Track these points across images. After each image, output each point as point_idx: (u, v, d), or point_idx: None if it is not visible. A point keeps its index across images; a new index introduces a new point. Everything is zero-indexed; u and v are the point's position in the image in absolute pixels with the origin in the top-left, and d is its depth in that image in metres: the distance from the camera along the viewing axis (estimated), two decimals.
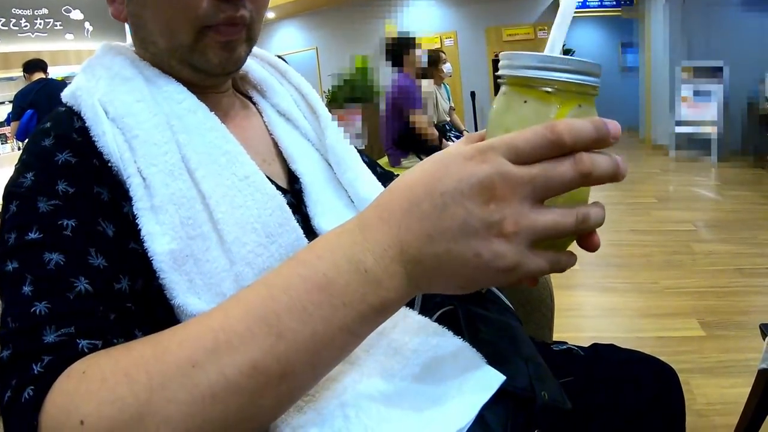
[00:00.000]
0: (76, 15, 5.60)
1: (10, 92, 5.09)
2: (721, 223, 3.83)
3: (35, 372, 0.40)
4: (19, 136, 4.52)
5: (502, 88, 0.43)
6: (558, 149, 0.35)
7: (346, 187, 0.71)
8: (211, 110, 0.63)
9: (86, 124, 0.55)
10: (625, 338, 2.33)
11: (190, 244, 0.52)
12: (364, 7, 8.56)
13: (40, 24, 6.06)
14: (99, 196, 0.52)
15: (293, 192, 0.69)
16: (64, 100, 0.61)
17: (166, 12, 0.58)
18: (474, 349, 0.51)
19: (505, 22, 8.60)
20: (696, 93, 6.25)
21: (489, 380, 0.48)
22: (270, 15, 8.89)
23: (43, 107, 4.31)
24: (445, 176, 0.36)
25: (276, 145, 0.73)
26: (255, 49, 0.77)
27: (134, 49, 0.66)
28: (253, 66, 0.77)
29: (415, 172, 0.38)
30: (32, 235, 0.47)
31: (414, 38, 4.06)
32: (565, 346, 0.93)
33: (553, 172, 0.35)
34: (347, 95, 4.75)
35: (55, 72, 4.92)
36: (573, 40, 9.62)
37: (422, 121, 3.87)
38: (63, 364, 0.40)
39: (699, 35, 6.67)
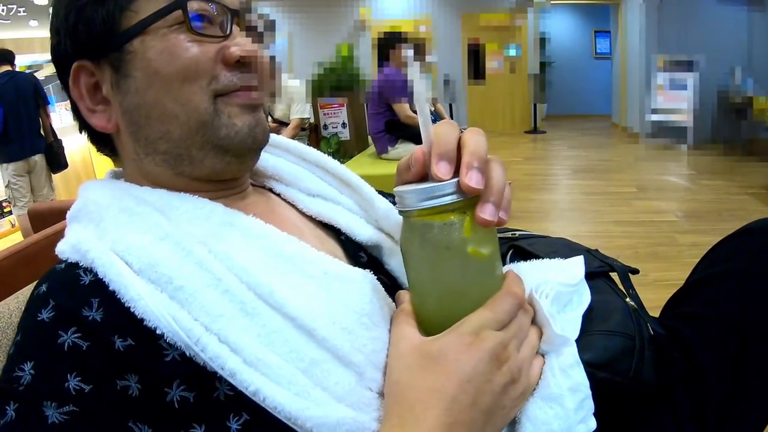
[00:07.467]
0: (41, 0, 5.30)
1: None
2: (699, 213, 3.94)
3: None
4: None
5: (405, 222, 0.48)
6: (522, 306, 0.48)
7: None
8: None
9: (101, 279, 0.44)
10: None
11: (309, 378, 0.45)
12: None
13: (2, 10, 5.68)
14: (126, 391, 0.41)
15: (368, 262, 0.61)
16: (62, 256, 0.48)
17: (177, 85, 0.50)
18: None
19: (481, 6, 8.57)
20: (671, 82, 6.40)
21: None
22: None
23: (10, 101, 3.91)
24: (462, 364, 0.43)
25: (319, 226, 0.65)
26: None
27: (124, 178, 0.57)
28: (263, 156, 0.65)
29: (425, 377, 0.44)
30: None
31: (402, 34, 4.03)
32: None
33: (524, 327, 0.49)
34: (331, 84, 4.66)
35: (19, 61, 4.57)
36: (547, 26, 9.69)
37: (406, 110, 3.85)
38: None
39: (674, 25, 6.79)
